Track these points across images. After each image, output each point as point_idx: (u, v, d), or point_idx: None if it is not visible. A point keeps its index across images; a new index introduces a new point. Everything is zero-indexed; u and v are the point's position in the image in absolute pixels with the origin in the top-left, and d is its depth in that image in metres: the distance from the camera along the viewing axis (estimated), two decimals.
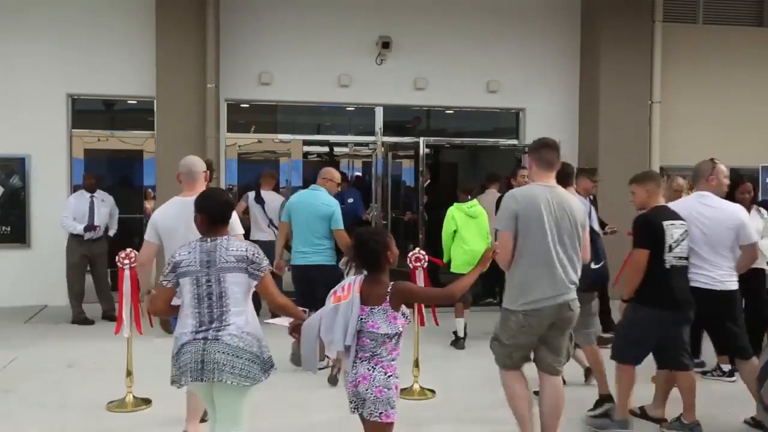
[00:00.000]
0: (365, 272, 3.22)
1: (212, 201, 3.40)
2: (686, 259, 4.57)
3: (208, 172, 4.62)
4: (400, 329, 3.14)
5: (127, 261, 5.19)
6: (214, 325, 3.21)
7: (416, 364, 5.46)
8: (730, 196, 6.16)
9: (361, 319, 3.10)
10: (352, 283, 3.18)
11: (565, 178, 4.93)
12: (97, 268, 8.11)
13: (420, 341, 5.57)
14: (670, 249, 4.47)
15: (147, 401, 5.18)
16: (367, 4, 9.52)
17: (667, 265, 4.46)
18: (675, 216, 4.59)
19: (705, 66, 10.23)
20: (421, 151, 8.92)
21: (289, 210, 6.07)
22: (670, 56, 9.95)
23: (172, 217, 4.31)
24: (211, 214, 3.34)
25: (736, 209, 4.87)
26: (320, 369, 5.14)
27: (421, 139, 8.89)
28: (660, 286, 4.45)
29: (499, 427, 4.85)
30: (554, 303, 3.89)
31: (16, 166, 8.79)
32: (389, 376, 3.12)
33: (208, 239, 3.30)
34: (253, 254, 3.28)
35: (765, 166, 10.22)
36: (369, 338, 3.11)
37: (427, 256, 5.57)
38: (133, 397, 5.14)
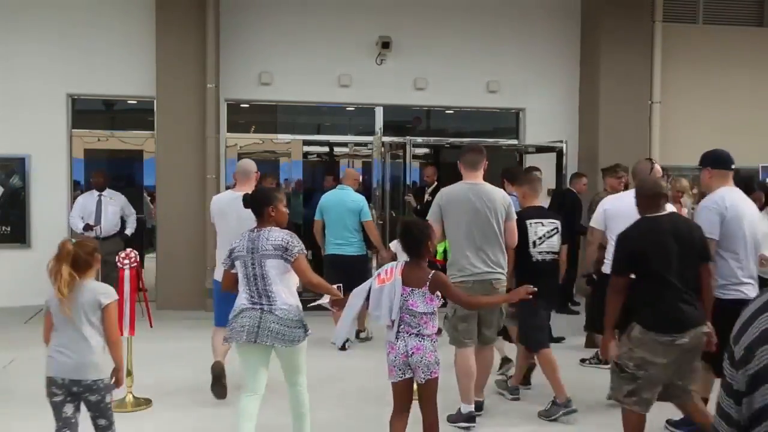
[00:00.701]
0: (406, 258, 3.82)
1: (252, 200, 4.15)
2: (555, 254, 5.11)
3: (259, 173, 5.58)
4: (436, 309, 3.76)
5: (126, 261, 5.19)
6: (263, 300, 3.90)
7: None
8: None
9: (402, 297, 3.70)
10: (394, 267, 3.80)
11: (511, 177, 5.94)
12: (106, 268, 8.08)
13: None
14: (534, 245, 5.04)
15: (147, 401, 5.18)
16: (367, 4, 9.52)
17: (533, 259, 5.04)
18: (544, 216, 5.17)
19: (705, 66, 10.23)
20: (407, 152, 8.89)
21: (322, 208, 6.94)
22: (670, 56, 9.95)
23: (224, 204, 5.36)
24: (253, 211, 4.09)
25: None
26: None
27: (408, 139, 8.88)
28: (529, 278, 4.82)
29: (500, 425, 4.87)
30: (478, 279, 4.67)
31: (16, 166, 8.80)
32: (434, 342, 3.78)
33: (255, 230, 4.01)
34: (288, 242, 3.92)
35: (765, 166, 10.22)
36: (408, 314, 3.71)
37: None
38: (133, 397, 5.14)
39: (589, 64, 9.85)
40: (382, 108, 9.80)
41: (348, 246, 6.82)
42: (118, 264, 5.21)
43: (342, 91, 9.51)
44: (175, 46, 8.72)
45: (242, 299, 3.97)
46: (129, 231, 8.20)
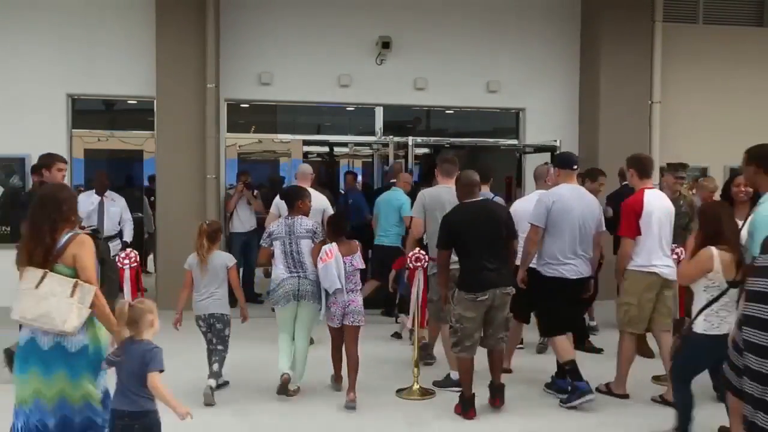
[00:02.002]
0: (336, 239, 5.20)
1: (286, 195, 5.57)
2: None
3: (314, 175, 6.94)
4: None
5: (126, 261, 5.20)
6: (299, 269, 5.26)
7: (416, 364, 5.46)
8: (725, 191, 6.16)
9: (347, 263, 5.13)
10: (330, 248, 5.10)
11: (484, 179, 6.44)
12: (106, 269, 8.03)
13: (419, 342, 5.61)
14: None
15: None
16: (367, 4, 9.53)
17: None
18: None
19: (705, 66, 10.23)
20: (410, 152, 8.88)
21: (377, 205, 7.89)
22: (670, 56, 9.95)
23: (281, 202, 6.39)
24: (287, 203, 5.48)
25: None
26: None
27: (411, 139, 8.88)
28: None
29: (499, 425, 4.87)
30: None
31: (16, 166, 8.79)
32: (360, 294, 5.29)
33: (290, 217, 5.39)
34: (316, 228, 5.39)
35: None
36: (351, 274, 5.19)
37: (426, 257, 5.59)
38: None
39: (589, 64, 9.84)
40: (382, 108, 9.80)
41: (385, 237, 7.74)
42: (119, 264, 5.22)
43: (342, 91, 9.51)
44: (175, 46, 8.71)
45: (281, 271, 5.27)
46: (127, 238, 7.98)
